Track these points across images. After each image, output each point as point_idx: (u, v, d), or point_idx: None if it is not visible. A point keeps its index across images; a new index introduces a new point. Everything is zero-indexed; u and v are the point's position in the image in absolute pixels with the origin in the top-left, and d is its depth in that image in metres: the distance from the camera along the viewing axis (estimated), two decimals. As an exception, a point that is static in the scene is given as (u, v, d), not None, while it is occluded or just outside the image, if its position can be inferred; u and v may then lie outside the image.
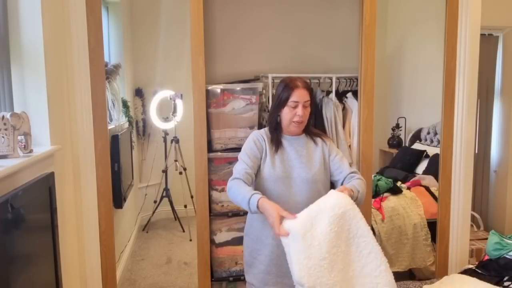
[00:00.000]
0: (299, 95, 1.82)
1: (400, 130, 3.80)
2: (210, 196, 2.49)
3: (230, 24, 2.65)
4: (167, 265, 3.65)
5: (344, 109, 2.69)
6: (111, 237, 2.35)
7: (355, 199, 1.70)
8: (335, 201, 1.60)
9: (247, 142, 1.91)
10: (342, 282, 1.56)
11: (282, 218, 1.58)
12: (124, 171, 3.30)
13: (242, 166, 1.81)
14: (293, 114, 1.83)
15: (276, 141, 1.89)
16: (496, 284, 2.24)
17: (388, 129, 3.82)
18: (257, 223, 1.90)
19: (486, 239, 2.81)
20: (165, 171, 4.47)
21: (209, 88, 2.44)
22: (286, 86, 1.84)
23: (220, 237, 2.55)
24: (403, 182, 3.40)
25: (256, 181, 1.88)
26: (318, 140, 1.96)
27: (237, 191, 1.71)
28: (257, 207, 1.63)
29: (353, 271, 1.59)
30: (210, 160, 2.45)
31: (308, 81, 1.89)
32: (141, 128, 4.67)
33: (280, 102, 1.85)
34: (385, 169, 3.61)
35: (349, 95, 2.70)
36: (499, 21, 3.55)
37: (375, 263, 1.60)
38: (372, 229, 1.97)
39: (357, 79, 2.62)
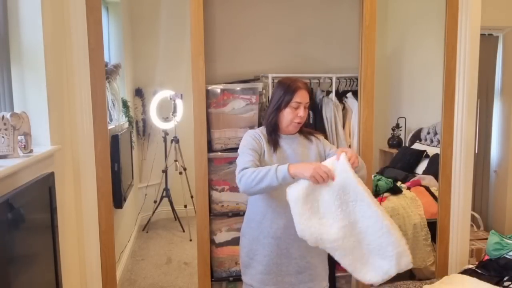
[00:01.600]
0: (302, 96, 1.84)
1: (400, 130, 3.81)
2: (210, 196, 2.49)
3: (230, 24, 2.65)
4: (167, 265, 3.65)
5: (344, 109, 2.69)
6: (111, 237, 2.35)
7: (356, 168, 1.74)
8: (340, 167, 1.66)
9: (245, 139, 1.90)
10: (347, 238, 1.65)
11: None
12: (124, 171, 3.29)
13: (248, 158, 1.79)
14: (294, 115, 1.85)
15: (274, 142, 1.89)
16: (496, 284, 2.25)
17: (388, 129, 3.82)
18: (255, 223, 1.91)
19: (486, 239, 2.82)
20: (165, 171, 4.47)
21: (209, 88, 2.44)
22: (289, 88, 1.85)
23: (220, 237, 2.55)
24: (403, 182, 3.40)
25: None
26: (312, 138, 1.99)
27: (255, 172, 1.69)
28: (288, 172, 1.63)
29: (360, 228, 1.68)
30: (210, 160, 2.45)
31: (307, 81, 1.90)
32: (141, 128, 4.67)
33: (282, 103, 1.85)
34: (385, 169, 3.61)
35: (349, 95, 2.70)
36: (499, 21, 3.55)
37: (376, 226, 1.65)
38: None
39: (357, 79, 2.62)
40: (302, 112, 1.85)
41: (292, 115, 1.85)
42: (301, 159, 1.88)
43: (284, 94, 1.85)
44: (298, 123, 1.88)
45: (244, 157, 1.82)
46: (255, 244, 1.90)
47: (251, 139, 1.88)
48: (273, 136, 1.90)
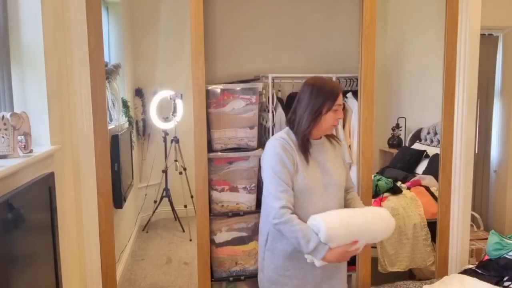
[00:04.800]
0: (340, 99, 1.79)
1: (400, 130, 3.80)
2: (210, 196, 2.49)
3: (230, 24, 2.66)
4: (167, 265, 3.65)
5: (344, 109, 2.68)
6: (111, 237, 2.35)
7: None
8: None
9: (276, 154, 1.74)
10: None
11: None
12: (124, 171, 3.29)
13: (282, 187, 1.68)
14: (335, 118, 1.79)
15: (306, 148, 1.78)
16: (496, 284, 2.25)
17: (388, 129, 3.82)
18: (287, 239, 1.75)
19: (486, 239, 2.81)
20: (165, 171, 4.47)
21: (209, 88, 2.44)
22: (331, 92, 1.76)
23: (220, 237, 2.55)
24: (403, 182, 3.40)
25: None
26: (334, 141, 1.92)
27: (296, 232, 1.64)
28: (324, 256, 1.63)
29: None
30: (210, 160, 2.45)
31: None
32: (141, 128, 4.67)
33: (324, 109, 1.75)
34: (385, 169, 3.61)
35: (349, 95, 2.70)
36: (499, 21, 3.54)
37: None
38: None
39: (357, 79, 2.62)
40: (340, 114, 1.79)
41: (333, 119, 1.78)
42: (331, 166, 1.82)
43: (326, 99, 1.75)
44: (333, 125, 1.82)
45: (277, 185, 1.69)
46: (287, 260, 1.79)
47: (283, 154, 1.73)
48: (306, 146, 1.79)
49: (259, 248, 1.91)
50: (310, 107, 1.76)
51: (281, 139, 1.78)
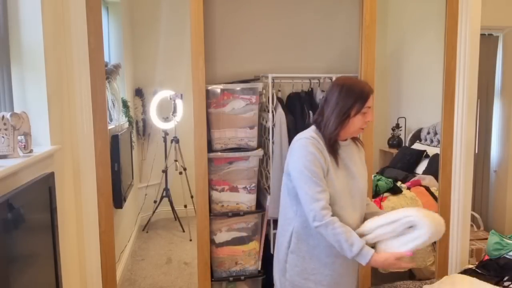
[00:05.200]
0: (371, 100, 1.69)
1: (400, 130, 3.81)
2: (210, 196, 2.49)
3: (230, 24, 2.66)
4: (167, 265, 3.65)
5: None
6: (111, 237, 2.35)
7: None
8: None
9: (311, 153, 1.64)
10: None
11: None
12: (124, 171, 3.29)
13: (320, 188, 1.61)
14: (364, 121, 1.70)
15: (335, 152, 1.70)
16: (496, 284, 2.25)
17: (388, 129, 3.82)
18: (313, 241, 1.70)
19: (486, 239, 2.82)
20: (165, 171, 4.47)
21: (209, 88, 2.44)
22: (361, 94, 1.66)
23: (220, 237, 2.55)
24: (403, 182, 3.40)
25: None
26: (358, 143, 1.86)
27: (339, 235, 1.58)
28: (369, 261, 1.57)
29: None
30: (210, 160, 2.45)
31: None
32: (141, 128, 4.67)
33: (352, 111, 1.66)
34: (385, 169, 3.61)
35: (349, 95, 2.69)
36: (499, 21, 3.55)
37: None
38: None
39: (357, 79, 2.61)
40: (370, 117, 1.70)
41: (362, 122, 1.69)
42: (356, 169, 1.75)
43: (355, 101, 1.66)
44: (362, 128, 1.73)
45: (315, 186, 1.61)
46: (313, 263, 1.71)
47: (317, 153, 1.64)
48: (335, 147, 1.70)
49: (278, 250, 1.81)
50: (337, 109, 1.67)
51: (311, 138, 1.67)
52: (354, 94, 1.66)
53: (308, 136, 1.68)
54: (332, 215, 1.61)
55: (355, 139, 1.85)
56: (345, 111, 1.66)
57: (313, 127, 1.75)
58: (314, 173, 1.61)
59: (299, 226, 1.71)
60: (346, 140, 1.77)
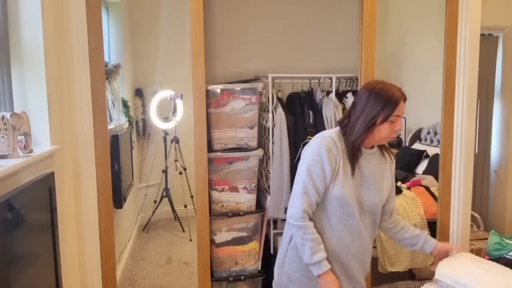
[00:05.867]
0: (402, 108, 1.58)
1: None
2: (210, 196, 2.49)
3: (230, 24, 2.66)
4: (167, 265, 3.65)
5: (344, 109, 2.69)
6: (111, 237, 2.35)
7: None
8: None
9: (320, 154, 1.59)
10: None
11: None
12: (124, 171, 3.29)
13: (312, 193, 1.59)
14: (391, 130, 1.60)
15: (354, 160, 1.63)
16: (496, 284, 2.24)
17: (388, 129, 3.81)
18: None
19: (486, 239, 2.82)
20: (165, 171, 4.47)
21: (209, 88, 2.44)
22: (389, 100, 1.57)
23: (220, 237, 2.55)
24: (403, 182, 3.40)
25: (320, 202, 1.64)
26: (387, 155, 1.74)
27: (304, 241, 1.59)
28: (319, 275, 1.58)
29: None
30: (210, 160, 2.45)
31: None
32: (141, 128, 4.67)
33: (378, 119, 1.58)
34: (385, 169, 3.60)
35: (349, 95, 2.70)
36: (499, 21, 3.54)
37: None
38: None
39: (357, 79, 2.62)
40: (399, 125, 1.60)
41: (389, 130, 1.60)
42: (375, 181, 1.67)
43: (383, 108, 1.56)
44: (391, 137, 1.62)
45: (308, 186, 1.59)
46: None
47: (326, 157, 1.58)
48: (356, 155, 1.63)
49: (281, 244, 1.81)
50: (364, 115, 1.59)
51: (329, 139, 1.61)
52: (382, 100, 1.57)
53: (326, 136, 1.63)
54: (310, 219, 1.61)
55: (383, 148, 1.74)
56: (371, 118, 1.58)
57: (337, 128, 1.70)
58: (314, 174, 1.59)
59: None
60: (372, 148, 1.70)
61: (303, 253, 1.60)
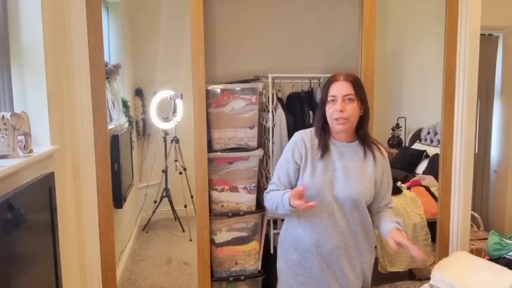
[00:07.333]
0: (338, 88, 1.66)
1: (400, 130, 3.81)
2: (210, 196, 2.49)
3: (230, 24, 2.66)
4: (167, 265, 3.65)
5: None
6: (111, 237, 2.35)
7: None
8: None
9: (287, 148, 1.78)
10: None
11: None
12: (124, 171, 3.29)
13: (274, 179, 1.79)
14: (332, 110, 1.67)
15: (322, 146, 1.71)
16: (496, 284, 2.24)
17: (388, 129, 3.83)
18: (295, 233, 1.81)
19: (486, 239, 2.82)
20: (165, 171, 4.47)
21: (209, 88, 2.44)
22: (328, 81, 1.71)
23: (220, 237, 2.55)
24: (403, 182, 3.41)
25: None
26: (375, 151, 1.75)
27: (271, 200, 1.73)
28: (289, 205, 1.63)
29: None
30: (210, 160, 2.45)
31: (356, 75, 1.71)
32: (141, 128, 4.67)
33: (322, 99, 1.72)
34: (385, 169, 3.60)
35: (349, 95, 2.69)
36: (499, 21, 3.55)
37: None
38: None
39: (357, 79, 2.61)
40: (339, 106, 1.63)
41: (331, 110, 1.67)
42: (351, 174, 1.69)
43: (324, 89, 1.71)
44: (339, 118, 1.65)
45: (274, 175, 1.80)
46: (294, 254, 1.80)
47: (291, 149, 1.75)
48: (323, 139, 1.72)
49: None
50: (319, 102, 1.76)
51: (302, 133, 1.78)
52: (325, 83, 1.74)
53: (301, 132, 1.79)
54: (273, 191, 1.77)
55: (369, 145, 1.75)
56: (322, 103, 1.73)
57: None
58: (279, 165, 1.78)
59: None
60: (352, 142, 1.74)
61: (281, 211, 1.68)
